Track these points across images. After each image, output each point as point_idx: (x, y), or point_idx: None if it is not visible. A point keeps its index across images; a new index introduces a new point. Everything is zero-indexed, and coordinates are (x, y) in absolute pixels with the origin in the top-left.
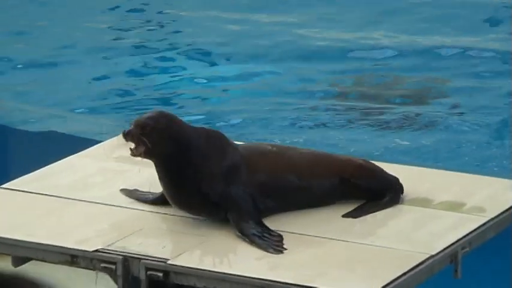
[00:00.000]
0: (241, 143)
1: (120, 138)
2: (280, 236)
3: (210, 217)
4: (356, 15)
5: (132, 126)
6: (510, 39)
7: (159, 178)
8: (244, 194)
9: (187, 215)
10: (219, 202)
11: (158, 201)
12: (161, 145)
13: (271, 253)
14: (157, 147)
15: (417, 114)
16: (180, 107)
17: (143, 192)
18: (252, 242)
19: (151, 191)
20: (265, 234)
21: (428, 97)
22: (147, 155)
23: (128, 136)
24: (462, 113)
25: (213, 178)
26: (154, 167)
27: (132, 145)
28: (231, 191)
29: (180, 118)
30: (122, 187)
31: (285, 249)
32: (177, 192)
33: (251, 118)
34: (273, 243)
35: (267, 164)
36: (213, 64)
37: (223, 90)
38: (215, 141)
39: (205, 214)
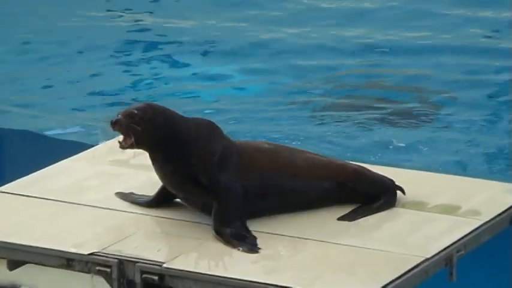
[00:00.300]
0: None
1: (114, 141)
2: (255, 238)
3: (199, 200)
4: (345, 13)
5: (120, 116)
6: (509, 37)
7: (153, 164)
8: (236, 184)
9: (183, 218)
10: (209, 185)
11: (153, 203)
12: (150, 134)
13: (246, 252)
14: (146, 136)
15: (414, 115)
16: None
17: (138, 195)
18: (226, 242)
19: (146, 194)
20: (239, 235)
21: (426, 98)
22: (137, 145)
23: (116, 125)
24: (459, 114)
25: (204, 159)
26: (150, 171)
27: (121, 138)
28: (221, 178)
29: (171, 109)
30: (117, 190)
31: (260, 248)
32: (171, 176)
33: (241, 117)
34: (248, 242)
35: (262, 161)
36: (203, 64)
37: (215, 89)
38: (206, 128)
39: (196, 196)
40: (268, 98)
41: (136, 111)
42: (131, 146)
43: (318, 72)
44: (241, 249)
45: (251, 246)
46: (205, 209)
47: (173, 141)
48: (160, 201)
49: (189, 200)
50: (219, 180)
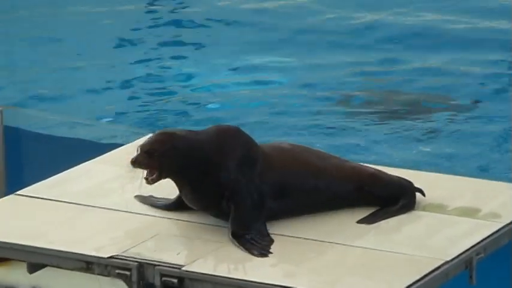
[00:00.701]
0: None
1: (136, 144)
2: (272, 241)
3: (219, 206)
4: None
5: (138, 154)
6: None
7: (180, 189)
8: (254, 186)
9: (203, 221)
10: (230, 189)
11: (172, 206)
12: (172, 164)
13: (256, 256)
14: (169, 167)
15: (429, 119)
16: (190, 111)
17: (158, 198)
18: (240, 244)
19: (166, 196)
20: (255, 239)
21: (441, 101)
22: (161, 177)
23: (135, 164)
24: (477, 116)
25: (226, 165)
26: None
27: (145, 173)
28: (241, 181)
29: (184, 129)
30: (137, 193)
31: (271, 252)
32: (199, 194)
33: (258, 113)
34: (259, 246)
35: (282, 161)
36: (221, 66)
37: (234, 88)
38: (228, 134)
39: (217, 203)
40: (278, 99)
41: (153, 146)
42: (157, 179)
43: (339, 69)
44: (255, 253)
45: (261, 250)
46: (224, 215)
47: (197, 161)
48: (180, 204)
49: (209, 210)
50: (239, 184)
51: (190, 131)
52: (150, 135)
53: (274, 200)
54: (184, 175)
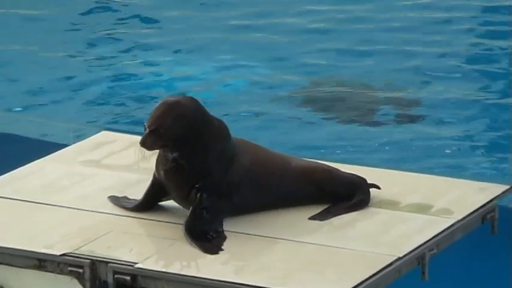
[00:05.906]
0: None
1: (87, 141)
2: (224, 237)
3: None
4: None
5: (145, 133)
6: (509, 35)
7: (162, 158)
8: (224, 186)
9: (156, 218)
10: (204, 177)
11: (140, 208)
12: (177, 134)
13: (208, 252)
14: (175, 138)
15: (390, 113)
16: (148, 108)
17: (130, 200)
18: (192, 241)
19: (117, 194)
20: (208, 235)
21: (403, 97)
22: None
23: (145, 145)
24: (435, 115)
25: (213, 158)
26: (122, 171)
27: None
28: (217, 181)
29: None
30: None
31: (222, 249)
32: (180, 173)
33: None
34: (212, 243)
35: (247, 158)
36: (176, 61)
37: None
38: (223, 128)
39: (186, 194)
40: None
41: (157, 122)
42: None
43: (298, 68)
44: (208, 249)
45: (214, 247)
46: (186, 202)
47: (197, 139)
48: (150, 205)
49: (177, 191)
50: (213, 180)
51: (194, 99)
52: (156, 106)
53: (236, 197)
54: (180, 147)
